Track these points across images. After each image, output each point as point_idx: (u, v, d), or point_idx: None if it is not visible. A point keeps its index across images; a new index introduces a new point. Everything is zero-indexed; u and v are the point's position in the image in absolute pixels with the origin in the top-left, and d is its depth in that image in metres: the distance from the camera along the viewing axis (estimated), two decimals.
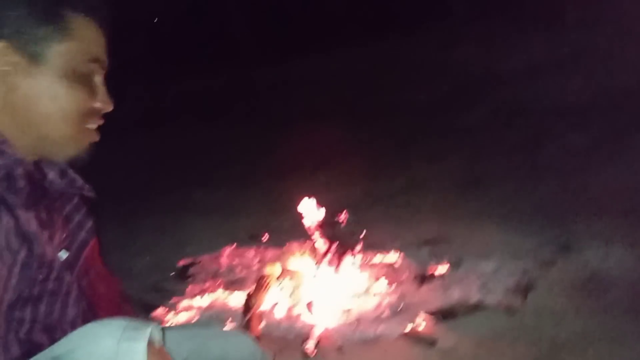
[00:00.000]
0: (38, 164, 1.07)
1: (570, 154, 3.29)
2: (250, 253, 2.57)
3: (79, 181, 1.11)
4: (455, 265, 2.19)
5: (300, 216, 2.31)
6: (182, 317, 2.12)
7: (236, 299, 2.17)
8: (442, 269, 2.17)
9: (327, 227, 2.19)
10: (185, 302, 2.21)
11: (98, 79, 1.04)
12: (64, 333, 1.03)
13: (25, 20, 0.98)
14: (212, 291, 2.26)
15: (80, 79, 1.01)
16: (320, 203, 2.27)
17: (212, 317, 2.10)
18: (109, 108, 1.04)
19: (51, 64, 0.98)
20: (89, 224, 1.17)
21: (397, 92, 5.36)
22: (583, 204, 2.61)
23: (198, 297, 2.22)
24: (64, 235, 1.10)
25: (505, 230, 2.45)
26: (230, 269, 2.45)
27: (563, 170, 3.08)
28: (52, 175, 1.07)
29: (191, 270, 2.52)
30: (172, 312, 2.16)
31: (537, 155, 3.37)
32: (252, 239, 2.83)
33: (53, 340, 1.01)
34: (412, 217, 2.81)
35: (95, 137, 1.04)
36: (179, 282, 2.46)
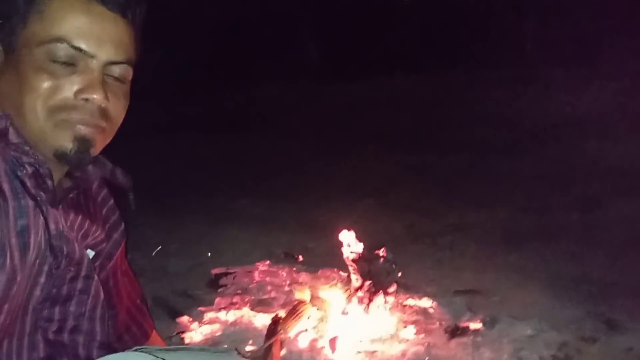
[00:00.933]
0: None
1: (625, 223, 3.13)
2: (283, 273, 2.55)
3: (108, 164, 1.08)
4: (490, 323, 2.10)
5: (337, 243, 2.29)
6: (205, 329, 2.12)
7: (261, 320, 2.15)
8: (475, 324, 2.09)
9: (364, 261, 2.14)
10: (211, 314, 2.21)
11: (84, 67, 0.93)
12: (93, 335, 1.04)
13: (2, 11, 0.94)
14: (240, 307, 2.25)
15: (48, 67, 0.91)
16: (360, 232, 2.23)
17: (235, 334, 2.09)
18: (95, 101, 0.93)
19: (20, 53, 0.92)
20: (122, 226, 1.19)
21: (455, 127, 5.27)
22: (635, 279, 2.47)
23: (224, 312, 2.21)
24: (101, 236, 1.11)
25: (547, 294, 2.34)
26: (261, 286, 2.43)
27: (616, 239, 2.93)
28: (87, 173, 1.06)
29: (223, 281, 2.53)
30: (197, 322, 2.16)
31: (589, 219, 3.22)
32: (287, 257, 2.83)
33: (83, 342, 1.02)
34: (451, 263, 2.73)
35: (82, 130, 0.94)
36: (209, 290, 2.47)
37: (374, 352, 1.93)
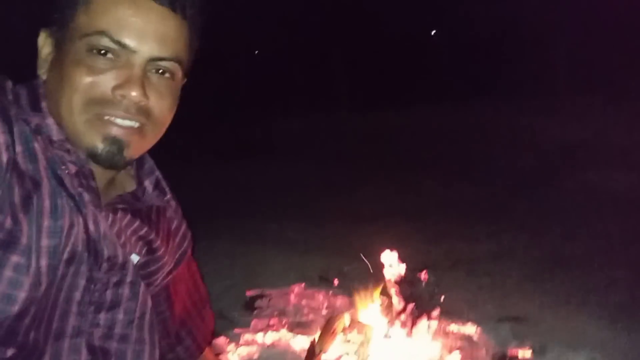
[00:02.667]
0: (138, 173, 1.06)
1: None
2: (319, 296, 2.49)
3: (168, 195, 1.09)
4: (539, 352, 2.00)
5: (373, 266, 2.23)
6: (242, 351, 2.07)
7: (300, 343, 2.09)
8: (524, 352, 2.00)
9: (407, 284, 2.08)
10: (248, 336, 2.16)
11: (125, 62, 0.89)
12: (142, 344, 1.00)
13: (58, 4, 0.92)
14: (277, 329, 2.19)
15: (88, 60, 0.88)
16: (399, 257, 2.17)
17: (273, 357, 2.04)
18: (132, 97, 0.89)
19: (65, 46, 0.90)
20: (189, 235, 1.17)
21: (494, 154, 5.21)
22: None
23: (261, 333, 2.16)
24: (168, 247, 1.09)
25: (595, 322, 2.23)
26: (298, 309, 2.38)
27: None
28: (147, 182, 1.06)
29: (258, 303, 2.48)
30: (233, 344, 2.11)
31: (634, 247, 3.09)
32: (322, 281, 2.77)
33: (132, 352, 0.99)
34: (492, 289, 2.63)
35: (114, 131, 0.90)
36: (245, 312, 2.43)
37: None
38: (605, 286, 2.58)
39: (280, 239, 3.37)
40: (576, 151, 5.29)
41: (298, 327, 2.20)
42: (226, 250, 3.16)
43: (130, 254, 1.01)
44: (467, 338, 2.12)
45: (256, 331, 2.20)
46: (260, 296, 2.54)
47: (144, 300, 1.01)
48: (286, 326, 2.20)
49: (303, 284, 2.61)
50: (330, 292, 2.55)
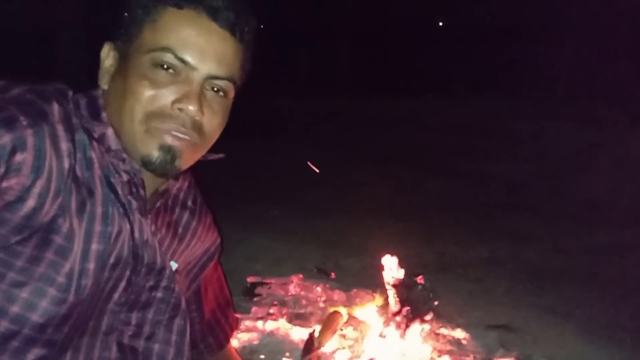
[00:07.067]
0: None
1: None
2: (317, 288, 2.58)
3: (192, 196, 1.17)
4: None
5: (369, 263, 2.30)
6: (243, 337, 2.16)
7: (298, 333, 2.18)
8: None
9: (404, 287, 2.17)
10: (248, 323, 2.25)
11: (185, 78, 0.93)
12: (168, 344, 1.05)
13: (124, 20, 0.96)
14: (276, 319, 2.28)
15: (151, 74, 0.92)
16: (393, 255, 2.25)
17: (272, 345, 2.13)
18: (189, 112, 0.93)
19: (130, 60, 0.95)
20: (218, 239, 1.22)
21: (485, 157, 5.30)
22: None
23: (261, 321, 2.25)
24: (194, 249, 1.15)
25: (581, 338, 2.34)
26: (296, 300, 2.47)
27: None
28: (172, 183, 1.10)
29: (258, 290, 2.57)
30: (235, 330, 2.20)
31: (621, 265, 3.21)
32: (319, 273, 2.86)
33: (158, 351, 1.04)
34: (482, 296, 2.74)
35: (170, 140, 0.94)
36: (245, 298, 2.51)
37: None
38: (589, 304, 2.69)
39: (280, 227, 3.45)
40: (580, 157, 5.38)
41: (297, 318, 2.29)
42: (227, 235, 3.21)
43: (170, 260, 1.07)
44: (457, 342, 2.23)
45: (256, 318, 2.29)
46: (261, 283, 2.63)
47: (176, 305, 1.06)
48: (285, 316, 2.29)
49: (301, 275, 2.70)
50: (327, 285, 2.65)
